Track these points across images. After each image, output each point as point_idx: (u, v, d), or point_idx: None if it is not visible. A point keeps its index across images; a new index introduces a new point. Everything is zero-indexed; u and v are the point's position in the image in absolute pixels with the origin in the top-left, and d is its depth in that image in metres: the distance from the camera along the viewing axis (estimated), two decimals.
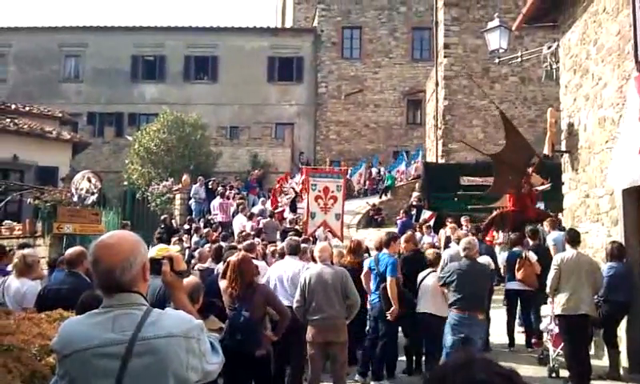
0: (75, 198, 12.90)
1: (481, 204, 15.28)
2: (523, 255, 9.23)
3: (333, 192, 13.69)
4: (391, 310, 7.44)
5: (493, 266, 8.62)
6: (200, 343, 2.19)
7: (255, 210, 19.09)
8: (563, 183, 10.45)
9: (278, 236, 14.73)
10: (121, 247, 2.21)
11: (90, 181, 12.96)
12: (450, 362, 1.31)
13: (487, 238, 12.46)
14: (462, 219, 14.76)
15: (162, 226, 17.44)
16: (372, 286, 7.95)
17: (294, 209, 19.07)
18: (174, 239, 12.65)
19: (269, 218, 16.98)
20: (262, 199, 22.31)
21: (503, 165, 11.81)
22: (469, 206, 16.03)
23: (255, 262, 7.59)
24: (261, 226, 15.78)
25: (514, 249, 9.81)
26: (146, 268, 2.26)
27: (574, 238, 7.86)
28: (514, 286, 9.49)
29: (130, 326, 2.11)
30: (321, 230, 13.51)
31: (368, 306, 7.86)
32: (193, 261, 10.46)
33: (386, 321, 7.56)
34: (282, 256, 8.54)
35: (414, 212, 19.17)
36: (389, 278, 7.48)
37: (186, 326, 2.18)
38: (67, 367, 2.12)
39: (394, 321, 7.56)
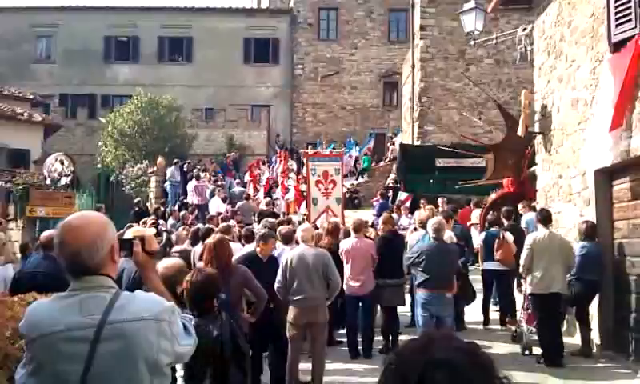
0: (48, 181, 12.70)
1: (467, 183, 15.30)
2: (501, 235, 9.34)
3: (332, 176, 13.41)
4: None
5: (455, 241, 8.71)
6: (171, 325, 2.16)
7: (236, 191, 19.02)
8: (537, 164, 10.59)
9: (255, 218, 14.68)
10: (87, 229, 2.15)
11: (62, 163, 12.77)
12: (410, 344, 1.31)
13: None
14: (439, 200, 14.85)
15: (136, 209, 17.27)
16: None
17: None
18: (149, 221, 12.53)
19: (244, 201, 16.91)
20: (236, 181, 22.22)
21: (502, 150, 11.93)
22: (456, 186, 16.06)
23: (231, 244, 7.57)
24: (236, 208, 15.72)
25: (491, 229, 9.92)
26: (114, 250, 2.21)
27: (545, 217, 7.98)
28: (491, 266, 9.60)
29: (97, 309, 2.06)
30: (324, 217, 12.69)
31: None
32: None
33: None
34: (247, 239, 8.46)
35: (390, 194, 19.26)
36: None
37: (157, 309, 2.15)
38: (34, 351, 2.08)
39: None
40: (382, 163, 26.31)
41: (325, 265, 6.20)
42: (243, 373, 3.63)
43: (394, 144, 27.28)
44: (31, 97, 23.61)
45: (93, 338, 2.01)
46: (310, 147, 28.89)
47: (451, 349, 1.25)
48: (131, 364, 2.04)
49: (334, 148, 24.54)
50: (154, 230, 3.76)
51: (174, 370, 3.56)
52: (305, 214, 14.75)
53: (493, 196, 13.16)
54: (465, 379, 1.20)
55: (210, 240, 5.54)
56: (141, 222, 11.54)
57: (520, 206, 11.34)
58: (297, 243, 6.99)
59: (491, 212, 11.44)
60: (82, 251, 2.11)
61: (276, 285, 6.29)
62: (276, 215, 13.72)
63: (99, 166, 25.77)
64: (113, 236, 2.23)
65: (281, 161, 22.44)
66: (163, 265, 4.30)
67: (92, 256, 2.12)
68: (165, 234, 12.72)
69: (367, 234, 9.29)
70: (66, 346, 2.02)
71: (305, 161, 15.41)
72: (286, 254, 6.49)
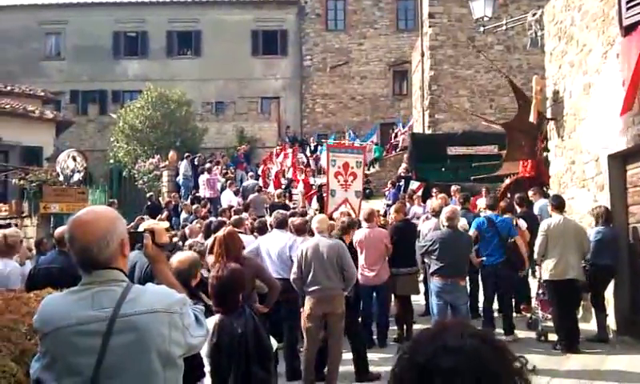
0: (61, 178, 12.78)
1: (483, 173, 15.21)
2: (514, 223, 9.25)
3: (352, 168, 12.97)
4: None
5: (467, 229, 8.59)
6: (183, 317, 2.17)
7: (247, 185, 19.03)
8: (549, 150, 10.50)
9: (266, 210, 14.71)
10: (97, 224, 2.16)
11: (75, 159, 12.83)
12: (424, 333, 1.31)
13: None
14: (452, 189, 14.77)
15: (149, 204, 17.35)
16: None
17: (289, 195, 18.66)
18: (160, 216, 12.56)
19: (256, 193, 16.93)
20: (250, 173, 22.24)
21: (514, 131, 11.74)
22: (471, 177, 15.96)
23: (243, 237, 7.61)
24: (248, 200, 15.74)
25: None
26: (124, 244, 2.22)
27: (559, 203, 7.93)
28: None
29: (109, 302, 2.08)
30: (342, 210, 12.11)
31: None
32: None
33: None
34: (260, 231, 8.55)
35: (401, 183, 19.22)
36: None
37: (168, 301, 2.16)
38: (48, 345, 2.10)
39: None
40: (393, 153, 26.21)
41: (340, 255, 6.19)
42: (267, 370, 3.61)
43: (396, 136, 27.20)
44: (42, 94, 23.72)
45: (105, 331, 2.03)
46: (312, 139, 28.86)
47: (464, 335, 1.25)
48: (143, 356, 2.06)
49: (335, 139, 24.43)
50: (165, 224, 3.74)
51: (202, 365, 3.57)
52: (316, 209, 14.64)
53: (507, 181, 13.03)
54: (478, 364, 1.19)
55: (220, 233, 5.54)
56: (157, 218, 11.60)
57: (531, 193, 11.21)
58: (311, 234, 6.99)
59: (506, 198, 11.31)
60: (92, 246, 2.13)
61: (291, 276, 6.29)
62: (287, 207, 13.70)
63: (111, 161, 25.88)
64: (122, 230, 2.24)
65: (286, 155, 22.33)
66: (177, 258, 4.33)
67: (102, 250, 2.14)
68: (181, 229, 12.79)
69: (380, 223, 9.27)
70: (79, 339, 2.04)
71: (316, 151, 15.18)
72: (301, 246, 6.49)
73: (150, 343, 2.06)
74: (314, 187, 18.39)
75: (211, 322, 3.67)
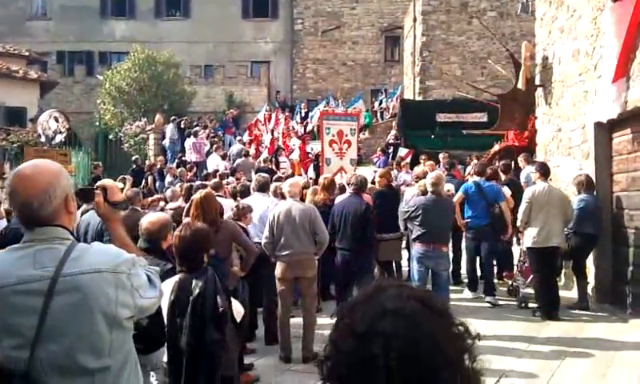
0: (42, 138, 12.57)
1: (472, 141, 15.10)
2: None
3: (347, 135, 12.83)
4: None
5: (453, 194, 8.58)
6: (131, 278, 2.07)
7: (234, 149, 18.82)
8: (537, 118, 10.40)
9: (253, 175, 14.55)
10: (39, 178, 2.05)
11: (57, 120, 12.61)
12: (361, 293, 1.23)
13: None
14: (440, 156, 14.69)
15: (134, 167, 17.17)
16: None
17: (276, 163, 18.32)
18: (120, 177, 12.22)
19: (243, 158, 16.78)
20: (238, 138, 22.02)
21: (509, 101, 11.68)
22: (464, 132, 15.80)
23: (223, 200, 7.51)
24: (235, 165, 15.60)
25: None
26: (68, 200, 2.11)
27: (544, 171, 7.87)
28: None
29: (51, 261, 1.99)
30: (338, 177, 11.90)
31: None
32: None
33: None
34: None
35: (390, 150, 19.10)
36: None
37: (115, 261, 2.06)
38: None
39: None
40: (381, 120, 26.04)
41: (312, 220, 6.12)
42: (221, 332, 3.51)
43: (380, 104, 26.94)
44: (27, 54, 23.29)
45: (47, 291, 1.94)
46: (303, 105, 28.42)
47: (403, 297, 1.16)
48: (88, 317, 1.97)
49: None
50: (121, 185, 3.60)
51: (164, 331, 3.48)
52: (311, 178, 14.49)
53: (496, 147, 12.96)
54: (416, 327, 1.11)
55: (196, 195, 5.43)
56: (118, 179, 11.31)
57: (521, 159, 11.15)
58: (284, 198, 6.90)
59: (492, 164, 11.25)
60: (33, 201, 2.02)
61: (263, 240, 6.22)
62: (273, 172, 13.57)
63: (97, 124, 25.56)
64: (67, 184, 2.13)
65: (277, 121, 22.02)
66: (148, 219, 4.21)
67: (44, 206, 2.03)
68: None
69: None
70: (19, 299, 1.95)
71: (306, 118, 14.88)
72: (273, 210, 6.40)
73: (94, 304, 1.98)
74: (310, 155, 18.15)
75: (172, 281, 3.58)
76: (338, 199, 8.14)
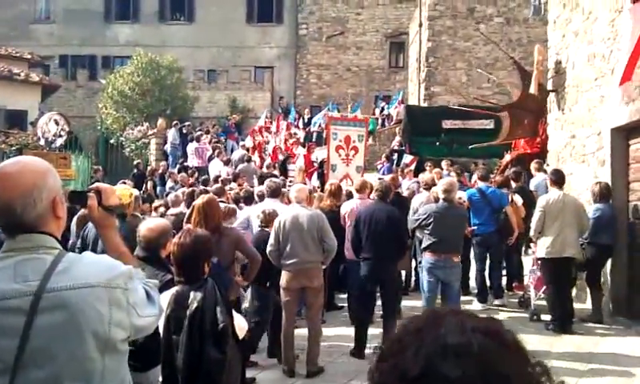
0: (42, 142, 12.35)
1: (479, 148, 14.79)
2: (510, 198, 8.92)
3: (354, 142, 12.52)
4: None
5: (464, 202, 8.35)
6: (128, 293, 1.81)
7: (236, 155, 18.59)
8: (548, 124, 10.15)
9: (256, 181, 14.34)
10: (22, 178, 1.78)
11: (57, 123, 12.40)
12: (412, 324, 0.96)
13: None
14: (443, 163, 14.47)
15: (135, 172, 16.96)
16: None
17: (284, 171, 18.06)
18: (121, 181, 12.05)
19: (246, 163, 16.56)
20: (241, 143, 21.80)
21: (518, 109, 11.43)
22: (470, 146, 15.53)
23: (248, 208, 7.31)
24: (238, 170, 15.38)
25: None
26: (56, 203, 1.84)
27: (558, 178, 7.60)
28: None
29: (34, 274, 1.72)
30: (344, 184, 11.50)
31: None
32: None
33: None
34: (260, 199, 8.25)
35: (395, 157, 18.87)
36: None
37: (109, 274, 1.79)
38: None
39: None
40: (387, 126, 25.82)
41: (320, 227, 5.82)
42: (222, 351, 3.21)
43: (382, 111, 26.70)
44: (29, 57, 23.14)
45: (29, 309, 1.68)
46: (307, 111, 28.14)
47: (466, 330, 0.90)
48: (76, 339, 1.70)
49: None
50: (125, 187, 3.32)
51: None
52: (318, 187, 14.22)
53: (507, 157, 12.68)
54: (487, 369, 0.86)
55: (198, 200, 5.16)
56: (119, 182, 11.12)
57: (533, 165, 10.87)
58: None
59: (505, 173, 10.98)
60: (15, 204, 1.75)
61: (268, 248, 5.90)
62: (276, 177, 13.34)
63: (99, 127, 25.39)
64: (55, 186, 1.86)
65: (279, 128, 21.77)
66: (146, 226, 3.95)
67: (28, 210, 1.76)
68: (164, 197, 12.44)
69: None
70: None
71: (309, 124, 14.55)
72: (279, 217, 6.12)
73: (85, 324, 1.71)
74: (314, 164, 17.89)
75: (169, 293, 3.31)
76: (348, 205, 7.87)
